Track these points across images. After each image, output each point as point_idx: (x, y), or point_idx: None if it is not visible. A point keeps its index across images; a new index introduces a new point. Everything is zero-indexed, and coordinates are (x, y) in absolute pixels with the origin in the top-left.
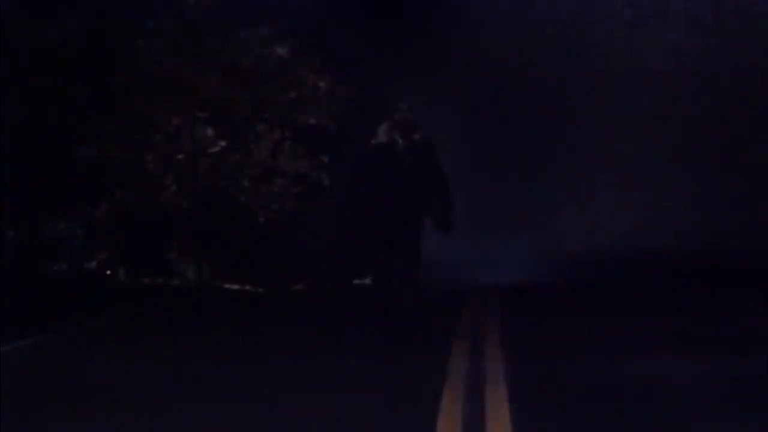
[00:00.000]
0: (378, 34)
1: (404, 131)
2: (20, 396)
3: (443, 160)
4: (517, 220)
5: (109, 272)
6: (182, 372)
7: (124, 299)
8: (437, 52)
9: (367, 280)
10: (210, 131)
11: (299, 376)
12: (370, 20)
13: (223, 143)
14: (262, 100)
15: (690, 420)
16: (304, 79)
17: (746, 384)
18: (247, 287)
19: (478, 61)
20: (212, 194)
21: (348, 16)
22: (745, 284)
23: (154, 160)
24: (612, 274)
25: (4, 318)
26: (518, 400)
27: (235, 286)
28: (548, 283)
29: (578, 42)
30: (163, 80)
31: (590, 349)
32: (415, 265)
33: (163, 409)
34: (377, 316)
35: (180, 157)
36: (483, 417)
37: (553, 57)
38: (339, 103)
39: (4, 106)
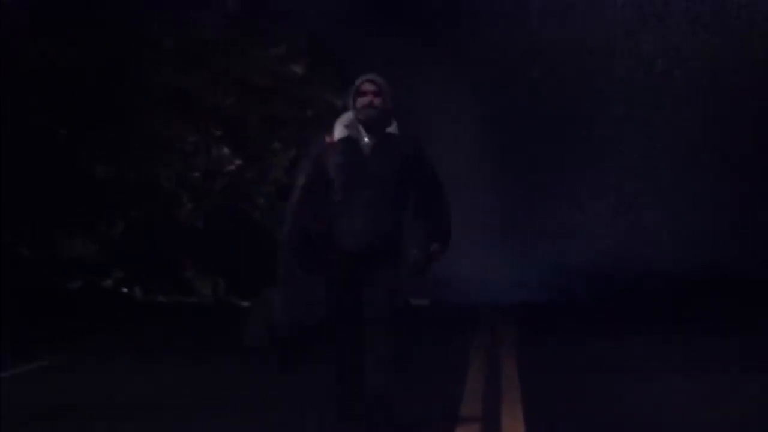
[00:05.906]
0: (392, 50)
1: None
2: (38, 415)
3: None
4: (520, 235)
5: (125, 290)
6: (199, 389)
7: (141, 317)
8: (449, 64)
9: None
10: (226, 149)
11: (314, 391)
12: (384, 37)
13: (238, 161)
14: (278, 118)
15: None
16: (319, 97)
17: (758, 400)
18: None
19: (481, 68)
20: (228, 212)
21: (363, 33)
22: (750, 294)
23: (170, 178)
24: (621, 288)
25: (21, 336)
26: (534, 410)
27: None
28: (559, 299)
29: (578, 42)
30: (179, 98)
31: (608, 364)
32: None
33: (179, 425)
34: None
35: (196, 174)
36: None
37: (553, 58)
38: None
39: (20, 125)
